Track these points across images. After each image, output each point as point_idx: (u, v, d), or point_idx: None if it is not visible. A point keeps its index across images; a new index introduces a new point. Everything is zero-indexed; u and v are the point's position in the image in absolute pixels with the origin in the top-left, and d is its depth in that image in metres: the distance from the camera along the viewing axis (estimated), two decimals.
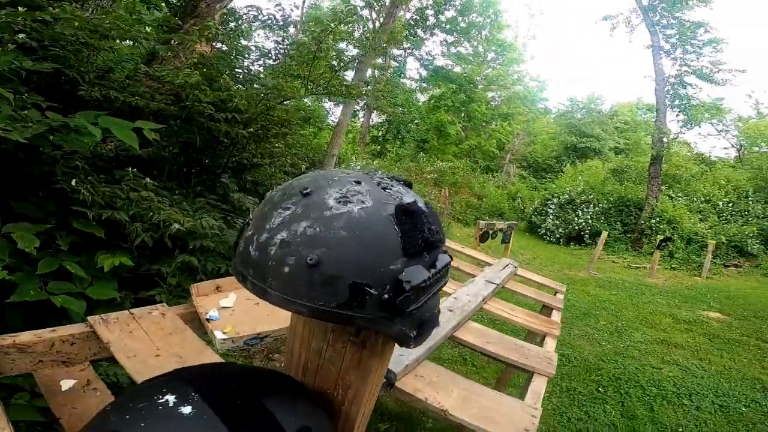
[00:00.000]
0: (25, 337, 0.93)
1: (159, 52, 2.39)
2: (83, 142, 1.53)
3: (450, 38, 18.45)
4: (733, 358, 4.38)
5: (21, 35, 1.69)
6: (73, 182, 1.93)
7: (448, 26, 17.05)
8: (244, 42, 3.70)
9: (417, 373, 1.17)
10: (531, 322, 1.99)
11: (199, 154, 2.85)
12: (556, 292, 2.80)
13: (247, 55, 3.57)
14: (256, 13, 4.57)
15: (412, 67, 19.81)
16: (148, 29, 2.51)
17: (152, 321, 1.11)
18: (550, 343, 1.76)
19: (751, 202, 11.55)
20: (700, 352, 4.52)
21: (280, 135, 3.19)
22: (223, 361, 1.01)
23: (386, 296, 0.49)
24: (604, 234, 8.97)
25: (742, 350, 4.64)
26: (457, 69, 19.59)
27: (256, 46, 3.82)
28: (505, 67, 21.03)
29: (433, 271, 0.53)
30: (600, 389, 3.41)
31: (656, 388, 3.51)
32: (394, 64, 17.77)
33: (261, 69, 3.85)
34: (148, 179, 2.38)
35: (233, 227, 2.81)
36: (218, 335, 1.15)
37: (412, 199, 0.55)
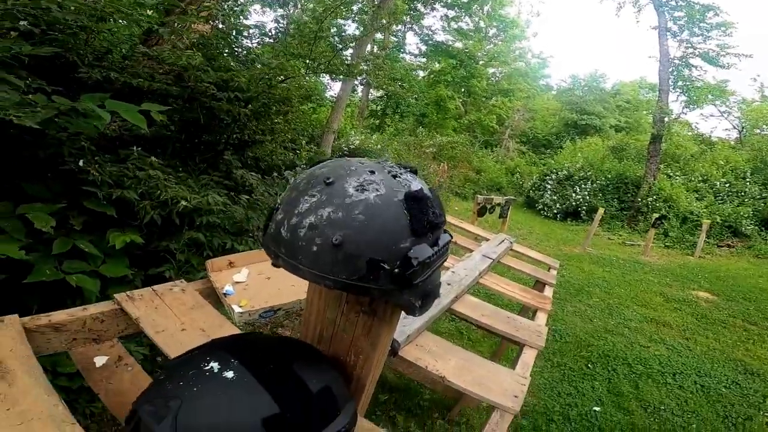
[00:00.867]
0: (59, 316, 1.00)
1: (162, 34, 2.38)
2: (91, 126, 1.57)
3: (451, 13, 17.96)
4: (719, 339, 4.54)
5: (23, 22, 1.69)
6: (81, 162, 1.97)
7: (449, 0, 16.59)
8: (243, 21, 3.64)
9: (418, 343, 1.27)
10: (524, 296, 2.09)
11: (201, 132, 2.87)
12: (549, 268, 2.89)
13: (246, 34, 3.53)
14: None
15: (412, 42, 19.38)
16: (149, 12, 2.49)
17: (174, 297, 1.18)
18: (541, 317, 1.86)
19: (748, 183, 11.64)
20: (687, 331, 4.68)
21: (281, 112, 3.21)
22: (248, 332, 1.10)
23: (397, 270, 0.58)
24: (601, 211, 9.06)
25: (727, 331, 4.81)
26: (458, 44, 19.19)
27: (255, 26, 3.77)
28: (506, 43, 20.60)
29: (436, 248, 0.62)
30: (589, 365, 3.58)
31: (642, 366, 3.68)
32: (393, 39, 17.36)
33: (260, 47, 3.82)
34: (153, 158, 2.42)
35: (238, 203, 2.87)
36: (236, 309, 1.23)
37: (419, 186, 0.63)
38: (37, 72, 1.71)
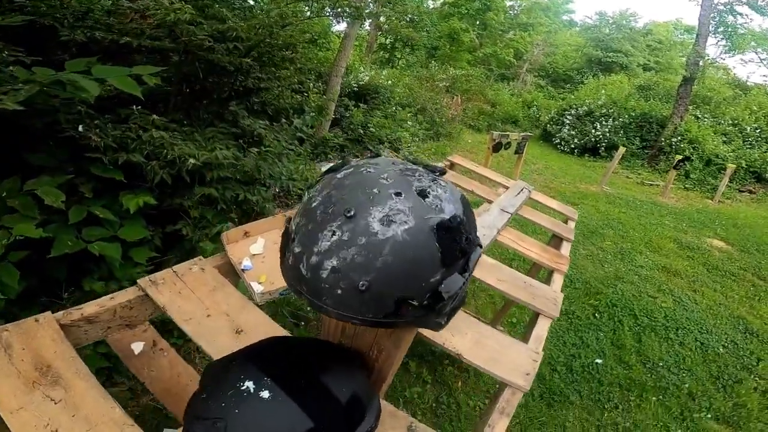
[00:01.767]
0: (90, 308, 1.02)
1: None
2: (81, 96, 1.46)
3: None
4: (725, 294, 4.52)
5: None
6: (80, 128, 1.89)
7: None
8: None
9: None
10: (540, 255, 2.04)
11: (203, 84, 2.71)
12: (567, 220, 2.75)
13: None
14: None
15: None
16: None
17: (194, 278, 1.19)
18: (557, 281, 1.82)
19: None
20: (696, 283, 4.67)
21: (286, 59, 3.00)
22: (267, 318, 1.11)
23: (426, 303, 0.55)
24: (622, 149, 8.71)
25: (736, 285, 4.78)
26: None
27: None
28: None
29: (467, 273, 0.58)
30: (596, 315, 3.65)
31: (648, 318, 3.73)
32: None
33: None
34: (154, 116, 2.32)
35: (249, 154, 2.80)
36: (256, 288, 1.24)
37: (452, 211, 0.56)
38: (15, 42, 1.55)
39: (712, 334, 3.69)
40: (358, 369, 0.77)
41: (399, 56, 14.14)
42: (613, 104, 12.54)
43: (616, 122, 12.10)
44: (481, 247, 0.64)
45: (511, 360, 1.19)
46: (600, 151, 11.87)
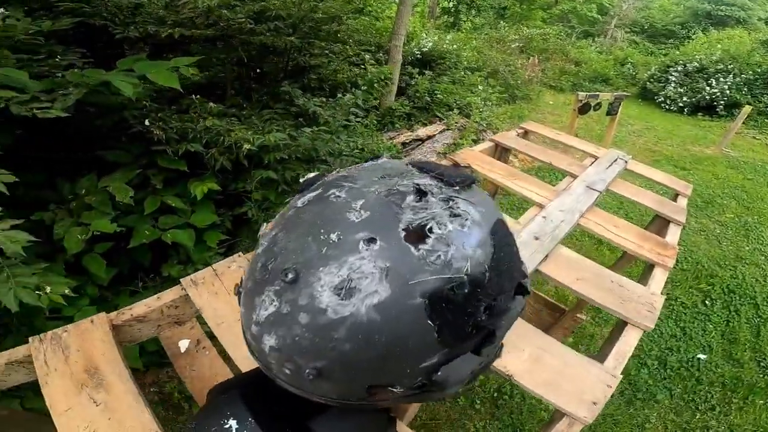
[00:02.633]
0: (139, 309, 1.05)
1: None
2: (124, 95, 1.48)
3: None
4: None
5: None
6: (147, 122, 1.99)
7: None
8: None
9: None
10: (637, 245, 1.62)
11: (256, 66, 2.71)
12: (676, 196, 2.11)
13: None
14: None
15: None
16: None
17: (232, 278, 1.16)
18: (659, 279, 1.44)
19: None
20: None
21: (331, 33, 2.84)
22: None
23: (417, 387, 0.37)
24: (747, 108, 7.02)
25: None
26: None
27: None
28: None
29: (488, 353, 0.39)
30: (706, 302, 3.06)
31: None
32: None
33: None
34: (211, 104, 2.37)
35: (303, 133, 2.77)
36: None
37: (467, 264, 0.34)
38: (68, 44, 1.64)
39: None
40: (359, 419, 0.65)
41: (464, 19, 13.13)
42: (733, 59, 10.43)
43: (738, 79, 10.07)
44: (526, 293, 0.42)
45: (575, 384, 0.96)
46: (717, 110, 9.94)
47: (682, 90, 10.66)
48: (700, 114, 10.14)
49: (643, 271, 1.74)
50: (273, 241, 0.39)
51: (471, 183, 0.41)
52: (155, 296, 1.11)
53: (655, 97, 10.98)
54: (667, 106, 10.64)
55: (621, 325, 1.25)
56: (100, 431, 0.80)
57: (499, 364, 0.97)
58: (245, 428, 0.50)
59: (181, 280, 1.14)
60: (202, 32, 2.12)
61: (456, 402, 2.16)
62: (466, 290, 0.33)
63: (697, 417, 2.28)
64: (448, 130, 5.72)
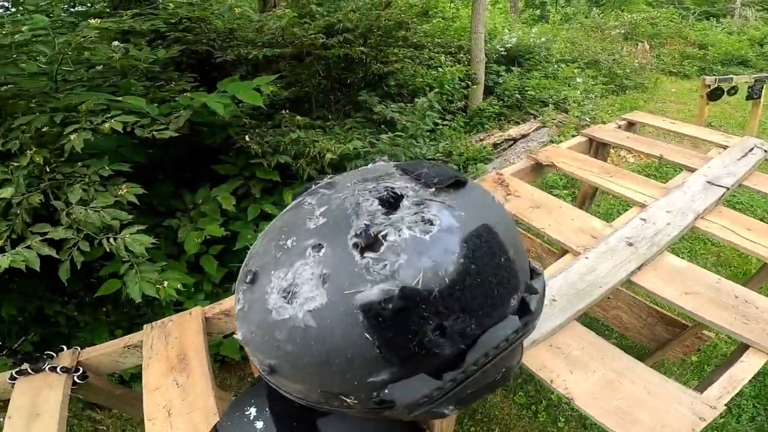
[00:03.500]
0: (227, 303, 1.17)
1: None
2: (220, 114, 1.72)
3: None
4: None
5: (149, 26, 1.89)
6: (247, 138, 2.28)
7: None
8: None
9: (554, 342, 0.96)
10: None
11: (336, 78, 2.89)
12: None
13: None
14: None
15: None
16: None
17: None
18: None
19: None
20: None
21: (400, 38, 2.88)
22: None
23: (376, 400, 0.34)
24: None
25: None
26: None
27: None
28: None
29: (454, 375, 0.32)
30: None
31: None
32: None
33: None
34: (298, 117, 2.60)
35: (381, 140, 2.86)
36: None
37: (418, 275, 0.30)
38: (191, 68, 1.98)
39: None
40: (364, 420, 0.64)
41: (553, 10, 12.05)
42: None
43: None
44: (527, 313, 0.36)
45: (655, 415, 0.78)
46: None
47: None
48: None
49: None
50: (254, 246, 0.43)
51: (456, 183, 0.37)
52: None
53: None
54: None
55: (742, 348, 0.99)
56: (174, 409, 0.91)
57: (558, 382, 0.85)
58: (261, 417, 0.53)
59: None
60: (282, 51, 2.36)
61: (535, 417, 1.96)
62: (400, 306, 0.30)
63: None
64: (543, 127, 5.32)
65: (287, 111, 2.55)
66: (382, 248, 0.31)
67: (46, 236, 1.38)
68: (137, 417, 1.24)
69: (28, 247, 1.30)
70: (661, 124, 2.17)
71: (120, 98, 1.51)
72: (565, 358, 0.90)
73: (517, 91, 5.39)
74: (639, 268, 1.19)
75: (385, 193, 0.35)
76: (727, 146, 1.86)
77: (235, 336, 0.46)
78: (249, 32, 2.45)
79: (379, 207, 0.34)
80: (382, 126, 3.08)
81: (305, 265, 0.33)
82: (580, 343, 0.93)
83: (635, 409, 0.80)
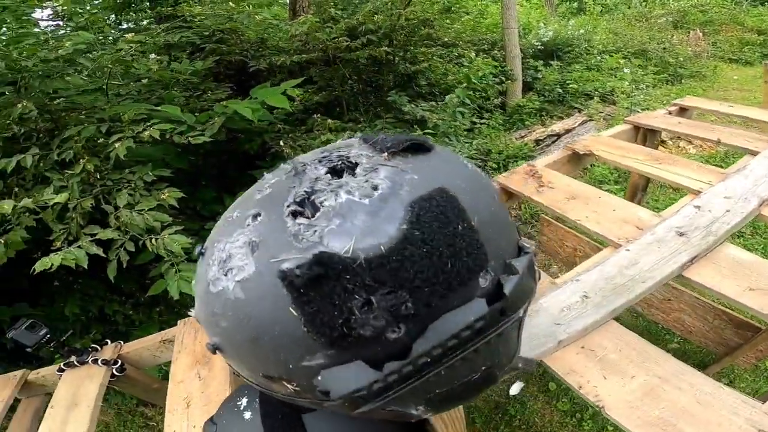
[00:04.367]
0: None
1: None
2: (251, 120, 1.78)
3: None
4: None
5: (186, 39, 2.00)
6: (281, 143, 2.35)
7: None
8: None
9: (586, 343, 0.86)
10: None
11: (366, 80, 2.91)
12: None
13: None
14: None
15: None
16: None
17: None
18: None
19: None
20: None
21: (424, 36, 2.83)
22: None
23: (317, 392, 0.30)
24: None
25: None
26: None
27: None
28: None
29: (396, 366, 0.28)
30: None
31: None
32: None
33: None
34: (329, 120, 2.64)
35: None
36: None
37: (345, 241, 0.27)
38: (228, 78, 2.09)
39: None
40: (353, 419, 0.60)
41: (591, 1, 11.49)
42: None
43: None
44: (500, 298, 0.30)
45: (704, 427, 0.67)
46: None
47: None
48: None
49: None
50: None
51: (414, 147, 0.33)
52: None
53: None
54: None
55: None
56: (193, 401, 0.95)
57: (587, 388, 0.76)
58: (250, 408, 0.53)
59: None
60: (310, 56, 2.41)
61: (580, 426, 1.81)
62: (315, 272, 0.26)
63: None
64: (590, 120, 5.04)
65: (319, 115, 2.60)
66: (318, 214, 0.29)
67: (96, 237, 1.50)
68: None
69: (79, 246, 1.42)
70: (718, 108, 1.96)
71: (159, 108, 1.61)
72: (598, 362, 0.81)
73: (558, 86, 5.16)
74: (691, 260, 1.06)
75: (339, 162, 0.32)
76: None
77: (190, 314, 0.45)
78: (279, 41, 2.54)
79: (327, 175, 0.31)
80: (415, 126, 3.06)
81: (241, 235, 0.31)
82: (618, 344, 0.84)
83: (680, 420, 0.70)
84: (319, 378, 0.29)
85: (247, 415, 0.53)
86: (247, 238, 0.30)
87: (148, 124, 1.54)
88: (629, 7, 10.06)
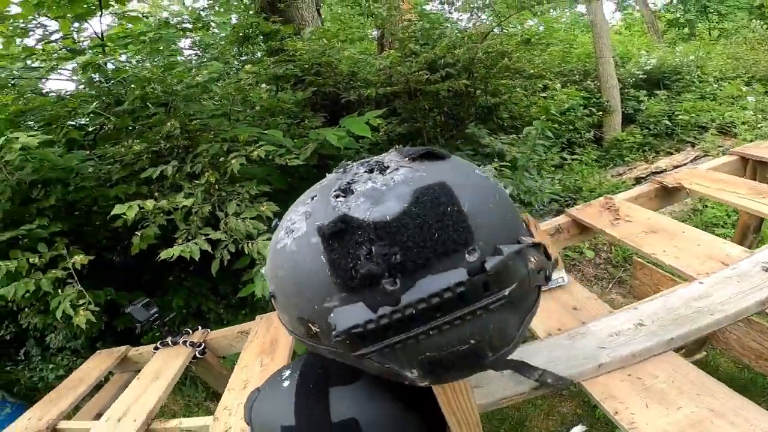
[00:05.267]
0: None
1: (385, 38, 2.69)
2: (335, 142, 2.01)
3: None
4: None
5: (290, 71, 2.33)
6: None
7: None
8: None
9: (634, 371, 0.80)
10: None
11: (446, 112, 3.04)
12: None
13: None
14: None
15: None
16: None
17: None
18: None
19: None
20: None
21: (503, 68, 2.87)
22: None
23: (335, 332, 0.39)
24: None
25: None
26: None
27: None
28: None
29: (387, 310, 0.36)
30: None
31: None
32: None
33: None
34: None
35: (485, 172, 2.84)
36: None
37: (366, 211, 0.39)
38: (323, 107, 2.39)
39: None
40: (375, 399, 0.64)
41: (702, 26, 10.05)
42: None
43: None
44: (480, 272, 0.37)
45: None
46: None
47: None
48: None
49: None
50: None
51: (429, 155, 0.45)
52: None
53: None
54: None
55: None
56: (250, 384, 1.04)
57: (624, 414, 0.71)
58: (290, 378, 0.61)
59: None
60: (393, 89, 2.64)
61: None
62: (343, 228, 0.38)
63: None
64: (705, 156, 4.46)
65: (400, 145, 2.80)
66: (350, 196, 0.42)
67: (208, 237, 1.84)
68: None
69: (195, 243, 1.77)
70: None
71: (266, 132, 1.96)
72: (644, 390, 0.76)
73: (665, 117, 4.69)
74: None
75: (375, 164, 0.45)
76: None
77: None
78: (368, 74, 2.83)
79: (364, 173, 0.45)
80: (495, 159, 3.08)
81: (301, 208, 0.45)
82: (672, 375, 0.78)
83: None
84: (332, 315, 0.39)
85: (286, 384, 0.61)
86: (305, 210, 0.45)
87: (257, 145, 1.88)
88: (753, 31, 8.67)
